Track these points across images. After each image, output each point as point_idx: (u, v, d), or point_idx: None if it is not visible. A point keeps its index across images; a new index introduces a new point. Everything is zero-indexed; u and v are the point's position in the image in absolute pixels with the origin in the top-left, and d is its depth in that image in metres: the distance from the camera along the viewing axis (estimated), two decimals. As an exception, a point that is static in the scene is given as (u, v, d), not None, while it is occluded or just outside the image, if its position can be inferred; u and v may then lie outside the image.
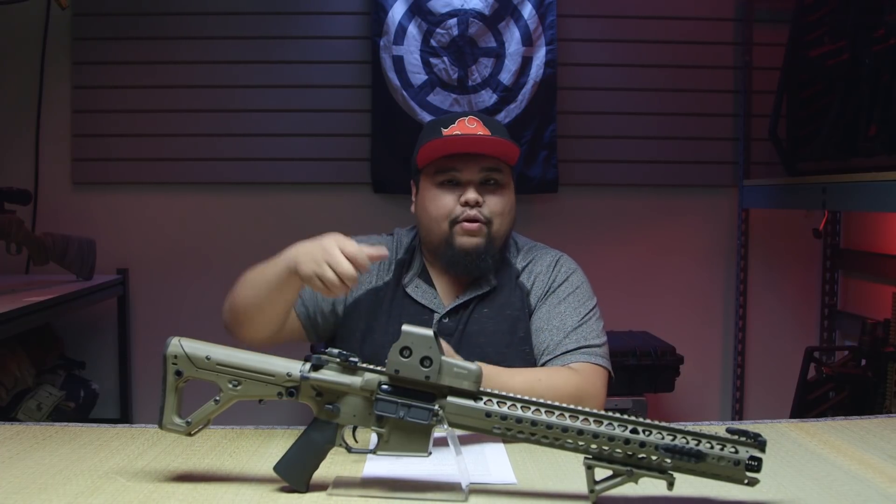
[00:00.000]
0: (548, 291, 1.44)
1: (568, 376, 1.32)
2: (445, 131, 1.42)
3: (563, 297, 1.42)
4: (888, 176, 1.94)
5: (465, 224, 1.38)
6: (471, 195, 1.38)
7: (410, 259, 1.49)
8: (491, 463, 1.10)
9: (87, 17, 2.74)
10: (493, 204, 1.40)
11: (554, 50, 2.72)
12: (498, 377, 1.22)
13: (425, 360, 0.94)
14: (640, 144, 2.85)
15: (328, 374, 0.98)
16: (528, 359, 1.40)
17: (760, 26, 2.84)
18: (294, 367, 0.99)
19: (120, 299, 2.76)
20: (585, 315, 1.41)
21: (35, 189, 2.73)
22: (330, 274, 1.15)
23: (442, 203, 1.39)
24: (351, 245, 1.17)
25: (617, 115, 2.84)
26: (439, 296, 1.45)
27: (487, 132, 1.41)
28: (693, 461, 0.89)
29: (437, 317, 1.43)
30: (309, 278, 1.18)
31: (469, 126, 1.42)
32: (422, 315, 1.42)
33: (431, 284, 1.46)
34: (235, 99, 2.78)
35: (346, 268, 1.15)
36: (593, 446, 0.91)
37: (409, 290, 1.45)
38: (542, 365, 1.37)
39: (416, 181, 1.49)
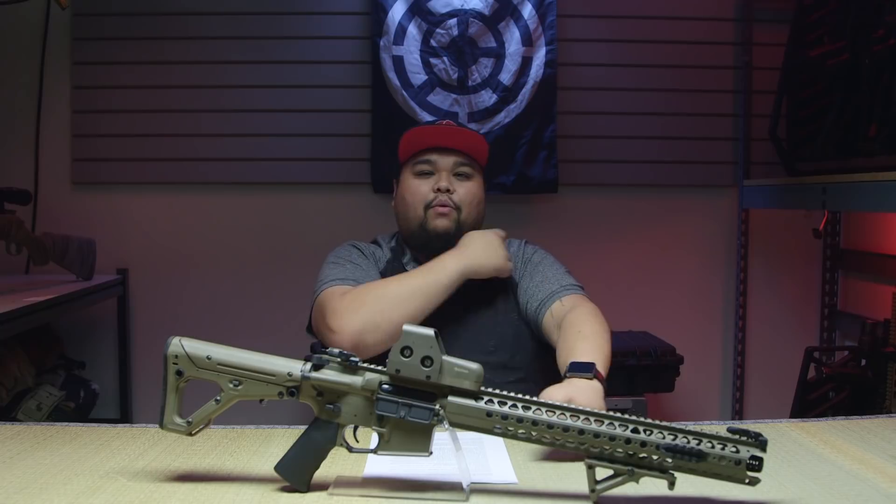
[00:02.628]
0: (521, 265, 1.64)
1: (589, 312, 1.45)
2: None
3: (537, 263, 1.64)
4: (888, 176, 1.94)
5: (438, 207, 1.58)
6: (443, 183, 1.59)
7: (401, 250, 1.68)
8: (492, 462, 1.10)
9: (87, 17, 2.74)
10: (463, 192, 1.60)
11: (554, 50, 2.72)
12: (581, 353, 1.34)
13: (426, 360, 0.95)
14: (640, 144, 2.85)
15: (329, 374, 0.98)
16: (515, 324, 1.59)
17: (760, 26, 2.84)
18: (295, 367, 0.99)
19: (120, 299, 2.76)
20: (563, 270, 1.62)
21: (35, 189, 2.73)
22: None
23: (418, 190, 1.60)
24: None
25: (617, 115, 2.84)
26: None
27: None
28: (694, 461, 0.89)
29: None
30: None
31: (445, 127, 1.70)
32: None
33: None
34: (235, 99, 2.78)
35: None
36: (594, 446, 0.91)
37: (408, 269, 1.62)
38: (538, 309, 1.53)
39: (397, 179, 1.69)
